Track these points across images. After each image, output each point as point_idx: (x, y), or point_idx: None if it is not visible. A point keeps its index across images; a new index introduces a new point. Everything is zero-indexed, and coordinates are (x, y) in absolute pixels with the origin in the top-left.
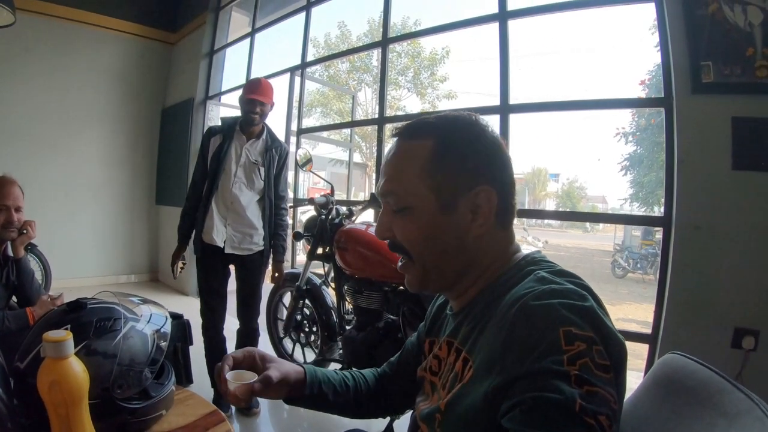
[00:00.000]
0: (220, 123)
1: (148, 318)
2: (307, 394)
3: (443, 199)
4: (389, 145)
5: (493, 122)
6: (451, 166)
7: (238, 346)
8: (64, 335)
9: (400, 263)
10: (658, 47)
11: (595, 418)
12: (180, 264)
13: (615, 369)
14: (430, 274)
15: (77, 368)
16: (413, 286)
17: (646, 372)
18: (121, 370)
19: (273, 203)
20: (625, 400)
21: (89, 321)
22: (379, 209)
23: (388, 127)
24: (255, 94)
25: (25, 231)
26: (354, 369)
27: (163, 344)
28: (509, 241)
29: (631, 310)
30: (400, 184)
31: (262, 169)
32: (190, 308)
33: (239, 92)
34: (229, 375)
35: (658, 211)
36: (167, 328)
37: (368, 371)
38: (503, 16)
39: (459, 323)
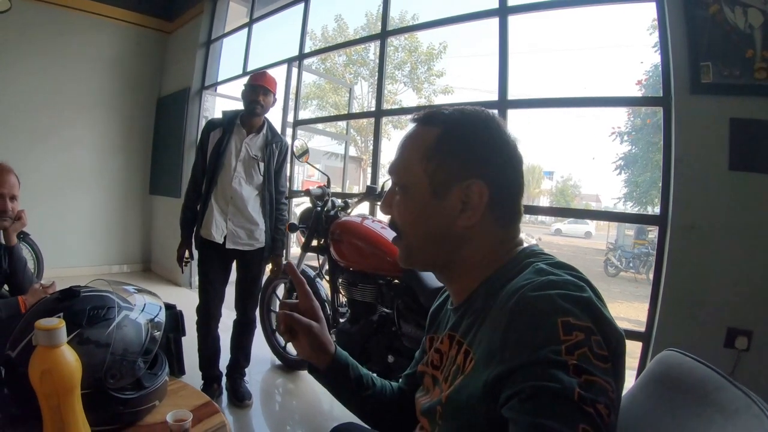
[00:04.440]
0: (218, 115)
1: (142, 307)
2: (329, 368)
3: (435, 184)
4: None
5: None
6: (449, 154)
7: (234, 336)
8: (57, 323)
9: (393, 239)
10: (657, 47)
11: (594, 407)
12: (185, 259)
13: (613, 359)
14: (413, 253)
15: (70, 357)
16: (400, 260)
17: (639, 370)
18: (114, 359)
19: (273, 198)
20: (622, 396)
21: (82, 309)
22: (375, 202)
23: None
24: (260, 81)
25: (18, 219)
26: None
27: (157, 334)
28: (509, 239)
29: (623, 309)
30: (402, 163)
31: (261, 165)
32: (183, 299)
33: (235, 83)
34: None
35: (652, 211)
36: (161, 317)
37: (394, 383)
38: (503, 11)
39: (460, 317)
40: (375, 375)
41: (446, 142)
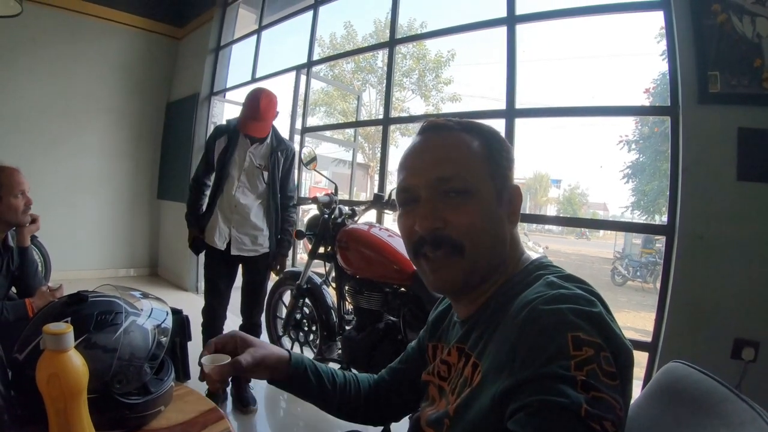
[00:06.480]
0: (225, 122)
1: (149, 313)
2: (289, 377)
3: (497, 187)
4: (416, 138)
5: (499, 126)
6: (499, 160)
7: None
8: (65, 328)
9: (435, 257)
10: (665, 56)
11: (601, 424)
12: (198, 238)
13: (621, 376)
14: (479, 266)
15: (77, 362)
16: (454, 283)
17: (645, 380)
18: (120, 364)
19: (278, 205)
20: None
21: (90, 314)
22: (382, 210)
23: (392, 128)
24: (250, 128)
25: (33, 222)
26: (351, 371)
27: (164, 340)
28: (516, 241)
29: (629, 318)
30: (464, 166)
31: (266, 173)
32: (189, 304)
33: (244, 89)
34: (205, 359)
35: (659, 219)
36: (168, 323)
37: (364, 376)
38: (511, 20)
39: (469, 328)
40: (339, 372)
41: (494, 148)
